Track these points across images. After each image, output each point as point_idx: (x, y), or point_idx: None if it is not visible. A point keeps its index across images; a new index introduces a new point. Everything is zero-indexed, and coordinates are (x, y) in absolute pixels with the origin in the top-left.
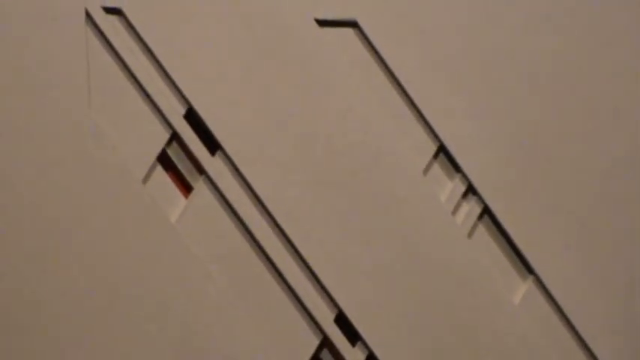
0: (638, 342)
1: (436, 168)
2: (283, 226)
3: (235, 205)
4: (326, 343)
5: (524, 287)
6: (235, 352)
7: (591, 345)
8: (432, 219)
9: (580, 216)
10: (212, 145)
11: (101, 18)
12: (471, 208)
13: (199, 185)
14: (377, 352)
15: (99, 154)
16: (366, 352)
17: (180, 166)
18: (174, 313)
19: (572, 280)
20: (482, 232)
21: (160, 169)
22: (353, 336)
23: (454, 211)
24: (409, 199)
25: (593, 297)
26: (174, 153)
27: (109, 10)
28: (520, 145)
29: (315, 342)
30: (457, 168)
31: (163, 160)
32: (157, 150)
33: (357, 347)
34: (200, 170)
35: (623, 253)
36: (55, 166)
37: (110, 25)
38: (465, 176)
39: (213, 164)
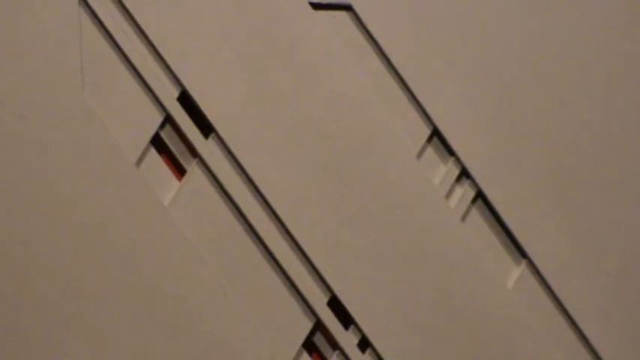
0: (630, 325)
1: (430, 152)
2: (276, 209)
3: (228, 189)
4: (319, 326)
5: (517, 271)
6: (227, 336)
7: (584, 328)
8: (425, 202)
9: (573, 200)
10: (205, 128)
11: (95, 0)
12: (464, 192)
13: (192, 168)
14: (370, 336)
15: (91, 136)
16: (359, 336)
17: (173, 149)
18: (165, 296)
19: (565, 264)
20: (476, 215)
21: (153, 152)
22: (346, 319)
23: (447, 195)
24: (402, 182)
25: (587, 281)
26: (167, 136)
27: None
28: (514, 129)
29: (308, 325)
30: (451, 152)
31: (156, 143)
32: (151, 133)
33: (350, 331)
34: (193, 153)
35: (616, 237)
36: (47, 149)
37: (104, 7)
38: (458, 160)
39: (206, 147)
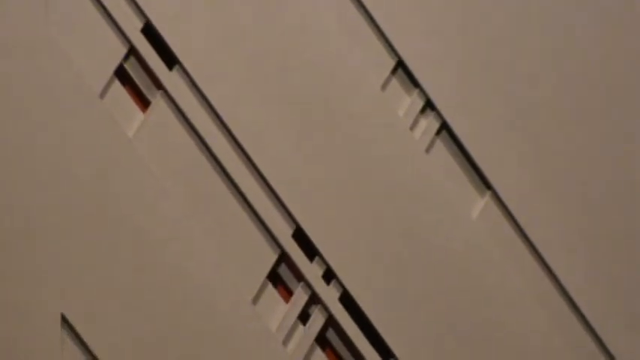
0: (593, 254)
1: (394, 83)
2: (240, 141)
3: (193, 121)
4: (284, 258)
5: (481, 202)
6: (191, 268)
7: (547, 257)
8: (389, 134)
9: (537, 131)
10: (170, 60)
11: None
12: (428, 124)
13: (157, 100)
14: (334, 266)
15: (55, 68)
16: (324, 267)
17: (137, 81)
18: (128, 228)
19: (528, 194)
20: (440, 147)
21: (117, 83)
22: (311, 251)
23: (412, 127)
24: (366, 114)
25: (550, 211)
26: (131, 68)
27: None
28: (479, 60)
29: (272, 257)
30: (415, 83)
31: (120, 74)
32: (114, 64)
33: (314, 262)
34: (158, 85)
35: (577, 167)
36: (11, 80)
37: None
38: (423, 91)
39: (170, 79)
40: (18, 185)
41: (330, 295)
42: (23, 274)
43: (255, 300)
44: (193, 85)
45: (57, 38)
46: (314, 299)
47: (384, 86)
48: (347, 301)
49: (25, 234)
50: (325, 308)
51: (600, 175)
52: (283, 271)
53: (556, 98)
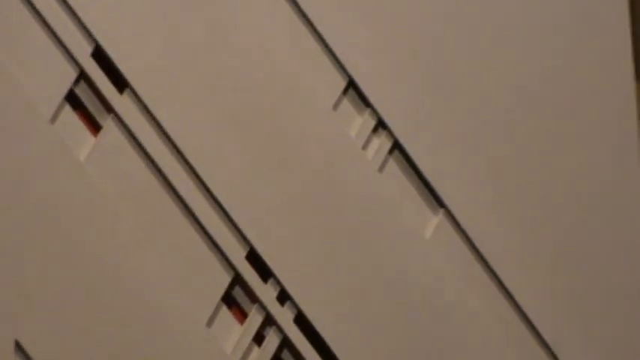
0: (548, 272)
1: (346, 103)
2: (193, 163)
3: (144, 144)
4: (238, 280)
5: (435, 220)
6: (145, 292)
7: (502, 276)
8: (342, 154)
9: (490, 148)
10: (120, 83)
11: None
12: (381, 143)
13: (108, 124)
14: (288, 288)
15: (4, 93)
16: (278, 289)
17: (88, 105)
18: (82, 254)
19: (482, 212)
20: (393, 166)
21: (67, 108)
22: (265, 273)
23: (364, 146)
24: (319, 134)
25: (504, 228)
26: (82, 92)
27: None
28: (430, 78)
29: (226, 279)
30: (367, 103)
31: (71, 99)
32: (65, 89)
33: (269, 284)
34: (109, 109)
35: (532, 184)
36: None
37: None
38: (374, 111)
39: (121, 102)
40: None
41: (284, 316)
42: None
43: (210, 322)
44: (144, 108)
45: (4, 62)
46: (269, 321)
47: (335, 106)
48: (302, 322)
49: None
50: (280, 330)
51: (555, 192)
52: (237, 293)
53: (510, 115)
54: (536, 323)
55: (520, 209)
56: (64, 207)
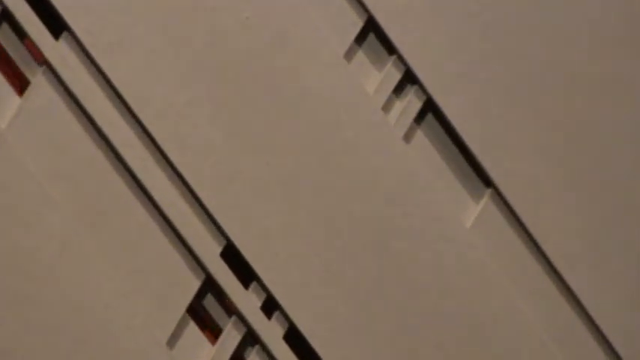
0: (618, 273)
1: (363, 50)
2: (149, 128)
3: (86, 104)
4: (209, 285)
5: (478, 206)
6: (85, 298)
7: (562, 271)
8: (356, 118)
9: (548, 109)
10: (56, 27)
11: None
12: (408, 103)
13: (38, 79)
14: (277, 294)
15: None
16: (264, 296)
17: (13, 56)
18: (9, 250)
19: (537, 196)
20: (424, 134)
21: None
22: (246, 275)
23: (386, 108)
24: (325, 91)
25: (565, 217)
26: (4, 37)
27: None
28: (471, 17)
29: (195, 283)
30: (391, 48)
31: None
32: None
33: (251, 289)
34: (40, 59)
35: (597, 153)
36: None
37: None
38: (401, 59)
39: (56, 50)
40: None
41: (272, 332)
42: None
43: (172, 342)
44: (87, 56)
45: None
46: (250, 338)
47: (348, 54)
48: (294, 340)
49: None
50: (265, 349)
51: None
52: (209, 301)
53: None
54: (606, 332)
55: (585, 194)
56: None
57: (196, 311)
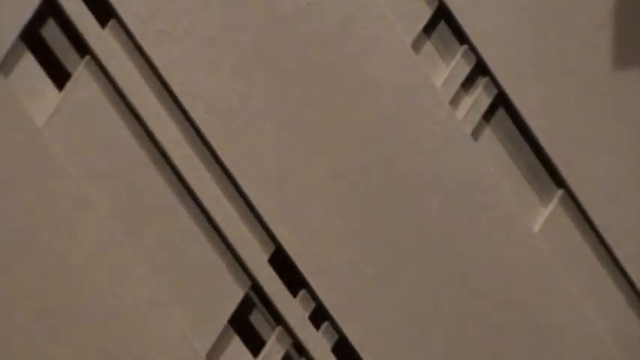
0: None
1: (432, 40)
2: (199, 125)
3: (131, 97)
4: (255, 294)
5: (547, 208)
6: (123, 310)
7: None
8: (420, 113)
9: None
10: (104, 14)
11: None
12: (477, 97)
13: (80, 71)
14: (327, 303)
15: None
16: (312, 305)
17: (53, 46)
18: (36, 252)
19: (609, 199)
20: (493, 130)
21: (28, 55)
22: (293, 282)
23: (453, 102)
24: (390, 84)
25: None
26: (48, 31)
27: None
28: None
29: (238, 293)
30: (462, 37)
31: (32, 40)
32: (21, 24)
33: (298, 298)
34: (83, 50)
35: None
36: None
37: None
38: (472, 49)
39: (102, 39)
40: None
41: (319, 344)
42: None
43: (213, 354)
44: (135, 46)
45: None
46: (295, 351)
47: (415, 44)
48: (342, 354)
49: None
50: None
51: None
52: (252, 311)
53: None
54: None
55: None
56: (19, 185)
57: (238, 321)
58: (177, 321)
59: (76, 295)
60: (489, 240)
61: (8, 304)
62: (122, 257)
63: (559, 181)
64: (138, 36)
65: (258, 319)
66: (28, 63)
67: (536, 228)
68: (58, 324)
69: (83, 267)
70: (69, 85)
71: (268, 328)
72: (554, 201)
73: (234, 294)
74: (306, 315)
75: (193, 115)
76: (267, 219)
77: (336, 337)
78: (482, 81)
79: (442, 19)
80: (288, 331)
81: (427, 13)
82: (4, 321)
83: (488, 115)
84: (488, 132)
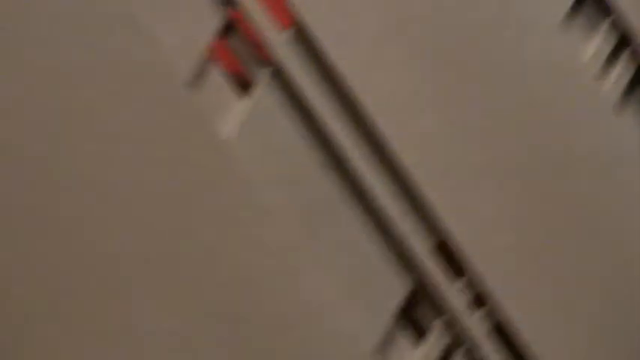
0: None
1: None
2: (377, 122)
3: (314, 101)
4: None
5: None
6: (301, 313)
7: None
8: (570, 92)
9: None
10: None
11: None
12: (622, 69)
13: (263, 78)
14: (490, 285)
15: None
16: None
17: (238, 53)
18: (223, 261)
19: None
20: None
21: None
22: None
23: (599, 76)
24: (543, 65)
25: None
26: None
27: None
28: None
29: (406, 285)
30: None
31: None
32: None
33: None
34: (265, 56)
35: None
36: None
37: None
38: (615, 22)
39: (284, 45)
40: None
41: (480, 330)
42: None
43: (381, 351)
44: (315, 51)
45: (139, 16)
46: (456, 339)
47: (564, 22)
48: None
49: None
50: (473, 350)
51: None
52: (420, 309)
53: None
54: None
55: None
56: (204, 197)
57: (406, 316)
58: (348, 319)
59: (259, 302)
60: (638, 216)
61: (200, 315)
62: (300, 262)
63: None
64: (322, 38)
65: (419, 311)
66: (214, 78)
67: None
68: (249, 332)
69: (266, 275)
70: (252, 93)
71: (429, 318)
72: None
73: (400, 287)
74: (466, 303)
75: (371, 113)
76: (436, 210)
77: (494, 321)
78: (626, 51)
79: None
80: (451, 321)
81: None
82: (199, 332)
83: (630, 88)
84: (633, 106)
